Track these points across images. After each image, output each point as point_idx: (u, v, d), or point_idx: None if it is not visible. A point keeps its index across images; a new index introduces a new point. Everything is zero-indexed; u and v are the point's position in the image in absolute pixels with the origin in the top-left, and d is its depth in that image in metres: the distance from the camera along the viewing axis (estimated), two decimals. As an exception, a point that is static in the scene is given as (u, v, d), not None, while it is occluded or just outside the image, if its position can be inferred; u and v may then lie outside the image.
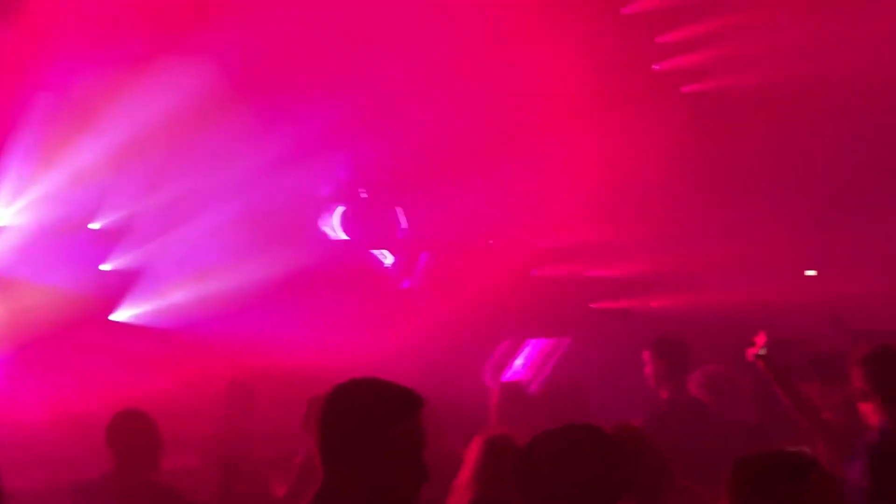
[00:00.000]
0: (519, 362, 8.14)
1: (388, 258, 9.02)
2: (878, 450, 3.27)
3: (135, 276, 7.82)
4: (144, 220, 7.74)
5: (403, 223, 9.05)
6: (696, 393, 5.21)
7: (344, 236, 8.87)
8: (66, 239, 7.58)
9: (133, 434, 3.88)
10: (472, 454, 3.42)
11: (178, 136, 7.39)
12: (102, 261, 7.83)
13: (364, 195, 8.95)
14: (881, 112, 8.31)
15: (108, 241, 7.84)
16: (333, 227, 8.80)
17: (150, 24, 7.29)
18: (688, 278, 8.86)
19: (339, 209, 8.88)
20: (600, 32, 8.91)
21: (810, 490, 2.08)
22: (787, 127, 8.67)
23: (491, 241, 9.38)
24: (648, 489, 2.87)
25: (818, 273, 9.18)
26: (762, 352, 4.23)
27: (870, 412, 3.44)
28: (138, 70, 7.10)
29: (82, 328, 7.34)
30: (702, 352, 6.26)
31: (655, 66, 9.56)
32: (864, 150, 8.58)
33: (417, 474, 2.04)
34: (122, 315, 7.74)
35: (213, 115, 7.42)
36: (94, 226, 7.84)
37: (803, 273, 9.24)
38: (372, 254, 8.97)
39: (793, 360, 4.61)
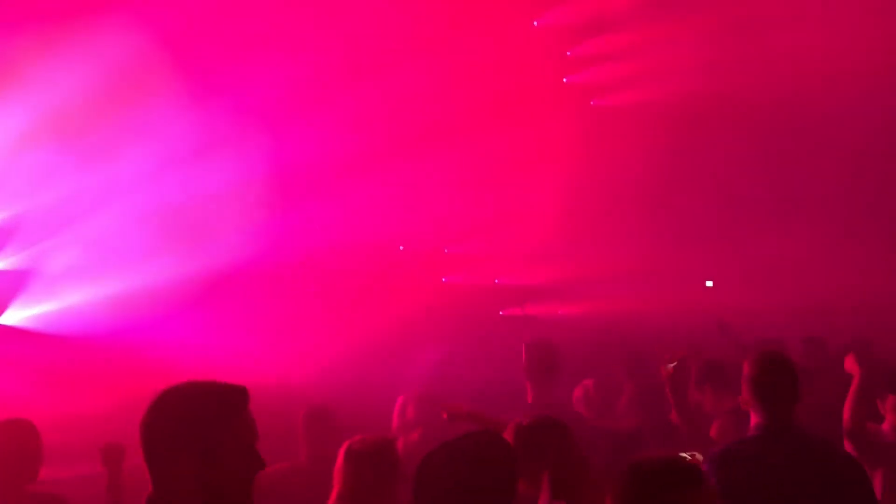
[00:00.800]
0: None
1: (296, 260, 8.85)
2: (727, 455, 3.26)
3: (26, 276, 7.41)
4: (37, 216, 7.32)
5: (314, 225, 8.91)
6: (576, 406, 5.33)
7: (252, 239, 8.65)
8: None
9: (12, 444, 3.69)
10: (339, 461, 3.40)
11: (77, 125, 7.00)
12: (-10, 260, 7.38)
13: (273, 196, 8.76)
14: (782, 130, 8.73)
15: (-3, 238, 7.40)
16: (240, 227, 8.57)
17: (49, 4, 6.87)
18: (594, 287, 9.07)
19: (248, 210, 8.65)
20: (514, 43, 9.04)
21: (701, 498, 2.04)
22: (693, 142, 9.01)
23: (402, 247, 9.36)
24: (571, 480, 2.96)
25: (716, 284, 9.57)
26: (671, 366, 4.37)
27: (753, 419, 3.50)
28: (34, 52, 6.69)
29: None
30: (605, 357, 6.42)
31: (566, 79, 9.77)
32: (763, 166, 9.01)
33: (251, 466, 2.08)
34: (10, 318, 7.31)
35: (116, 103, 7.07)
36: (-19, 222, 7.38)
37: (703, 283, 9.61)
38: (280, 256, 8.77)
39: (689, 369, 4.78)
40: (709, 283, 9.56)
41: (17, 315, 7.30)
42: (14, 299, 7.25)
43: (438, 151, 8.77)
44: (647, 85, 9.14)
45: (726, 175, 9.03)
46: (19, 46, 6.70)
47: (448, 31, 8.65)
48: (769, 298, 8.14)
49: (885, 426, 4.33)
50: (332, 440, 4.36)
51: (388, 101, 8.57)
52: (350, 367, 7.36)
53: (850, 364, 4.23)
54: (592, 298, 9.04)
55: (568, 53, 9.68)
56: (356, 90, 8.31)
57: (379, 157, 8.61)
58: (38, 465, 3.74)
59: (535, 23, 9.55)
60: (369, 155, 8.62)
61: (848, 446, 3.97)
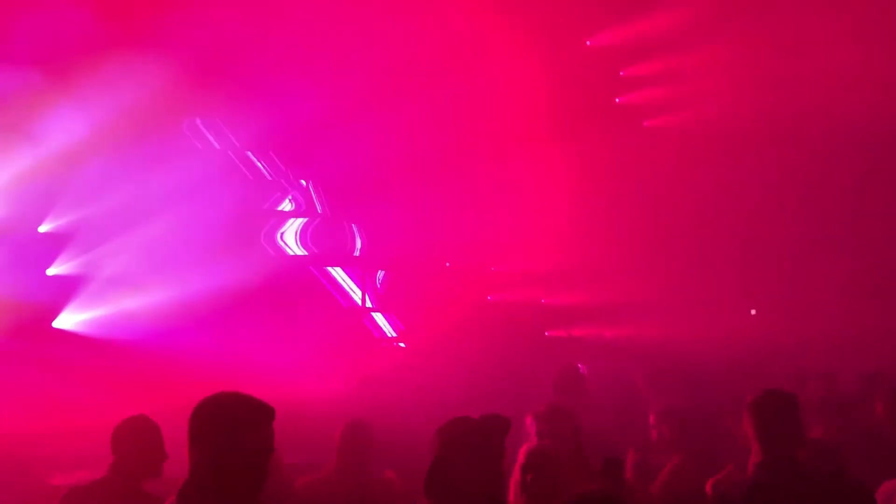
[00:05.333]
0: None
1: (342, 275, 8.93)
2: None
3: (82, 281, 7.61)
4: (96, 224, 7.52)
5: (359, 240, 8.98)
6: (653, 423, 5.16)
7: (301, 251, 8.77)
8: (12, 241, 7.33)
9: (134, 439, 3.70)
10: None
11: (131, 138, 7.21)
12: (49, 265, 7.61)
13: (320, 210, 8.87)
14: (836, 154, 8.50)
15: (57, 244, 7.62)
16: (289, 241, 8.69)
17: (99, 25, 7.09)
18: (640, 310, 8.94)
19: (297, 223, 8.78)
20: (567, 62, 9.02)
21: None
22: (745, 164, 8.83)
23: (448, 264, 9.37)
24: None
25: (762, 312, 9.34)
26: None
27: None
28: (89, 72, 6.92)
29: (25, 334, 7.09)
30: (651, 383, 6.29)
31: (619, 99, 9.70)
32: (815, 191, 8.78)
33: (261, 473, 2.40)
34: (65, 321, 7.51)
35: (169, 116, 7.27)
36: (44, 228, 7.63)
37: (748, 311, 9.39)
38: (326, 270, 8.87)
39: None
40: (753, 312, 9.35)
41: (72, 319, 7.51)
42: (68, 304, 7.46)
43: (488, 169, 8.77)
44: (701, 107, 9.01)
45: (777, 199, 8.82)
46: (76, 63, 6.95)
47: (502, 49, 8.67)
48: (815, 328, 7.90)
49: None
50: (365, 455, 4.36)
51: (439, 119, 8.62)
52: (392, 383, 7.36)
53: None
54: (638, 322, 8.90)
55: (621, 74, 9.61)
56: (405, 109, 8.38)
57: (427, 175, 8.65)
58: (161, 459, 3.78)
59: (588, 42, 9.51)
60: (418, 172, 8.67)
61: None
